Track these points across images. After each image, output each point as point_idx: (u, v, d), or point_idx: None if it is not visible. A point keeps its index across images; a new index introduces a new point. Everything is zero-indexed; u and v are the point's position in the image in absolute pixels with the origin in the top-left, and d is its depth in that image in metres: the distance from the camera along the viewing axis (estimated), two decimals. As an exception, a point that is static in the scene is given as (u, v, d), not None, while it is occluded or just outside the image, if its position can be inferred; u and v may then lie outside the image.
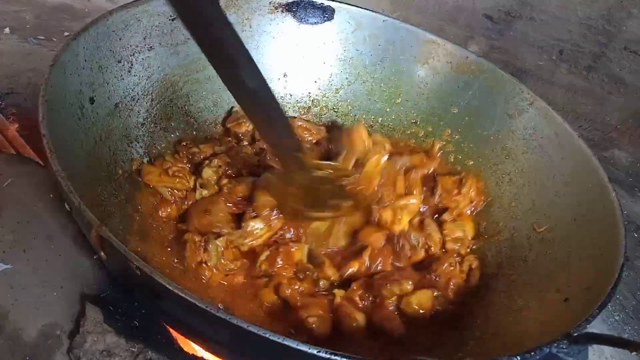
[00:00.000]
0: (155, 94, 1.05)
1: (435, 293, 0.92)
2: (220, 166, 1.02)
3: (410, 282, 0.91)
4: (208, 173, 1.01)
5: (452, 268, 0.96)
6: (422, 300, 0.90)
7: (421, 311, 0.89)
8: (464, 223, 1.05)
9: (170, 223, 0.97)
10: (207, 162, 1.03)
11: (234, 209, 0.98)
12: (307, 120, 1.22)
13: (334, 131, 1.20)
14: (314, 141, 1.17)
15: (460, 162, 1.17)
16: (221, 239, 0.91)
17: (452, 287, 0.94)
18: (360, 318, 0.85)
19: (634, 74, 1.56)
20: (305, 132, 1.17)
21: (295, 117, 1.24)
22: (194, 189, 1.01)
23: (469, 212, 1.08)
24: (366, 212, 0.98)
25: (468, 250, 1.03)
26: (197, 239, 0.90)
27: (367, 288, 0.90)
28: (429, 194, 1.08)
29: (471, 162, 1.15)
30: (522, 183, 1.06)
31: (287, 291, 0.87)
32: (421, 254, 0.99)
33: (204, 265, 0.89)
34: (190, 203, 1.00)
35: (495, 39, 1.74)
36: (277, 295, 0.87)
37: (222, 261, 0.90)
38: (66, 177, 0.66)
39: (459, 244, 1.02)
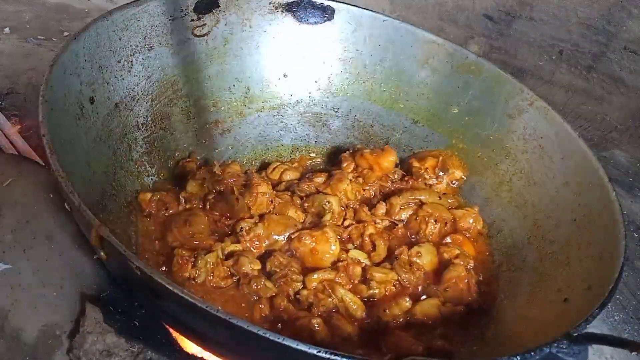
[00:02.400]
0: (155, 94, 1.05)
1: (441, 299, 0.91)
2: (205, 178, 1.00)
3: (407, 299, 0.90)
4: (192, 186, 0.99)
5: (460, 281, 0.94)
6: (426, 310, 0.89)
7: (430, 321, 0.88)
8: (462, 244, 1.04)
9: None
10: (191, 175, 1.01)
11: (216, 226, 0.96)
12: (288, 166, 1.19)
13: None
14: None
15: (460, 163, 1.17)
16: (211, 254, 0.87)
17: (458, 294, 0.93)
18: (350, 329, 0.84)
19: (634, 74, 1.56)
20: (289, 174, 1.15)
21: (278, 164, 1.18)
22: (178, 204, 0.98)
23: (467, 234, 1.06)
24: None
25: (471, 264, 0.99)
26: (185, 254, 0.87)
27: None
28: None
29: (472, 163, 1.16)
30: (522, 183, 1.06)
31: (282, 304, 0.86)
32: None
33: (192, 282, 0.86)
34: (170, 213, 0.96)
35: (495, 39, 1.74)
36: (272, 308, 0.86)
37: (212, 278, 0.87)
38: (66, 177, 0.66)
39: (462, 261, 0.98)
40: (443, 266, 0.97)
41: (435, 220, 1.02)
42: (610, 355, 1.03)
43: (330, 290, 0.87)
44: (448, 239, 1.03)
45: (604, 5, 1.53)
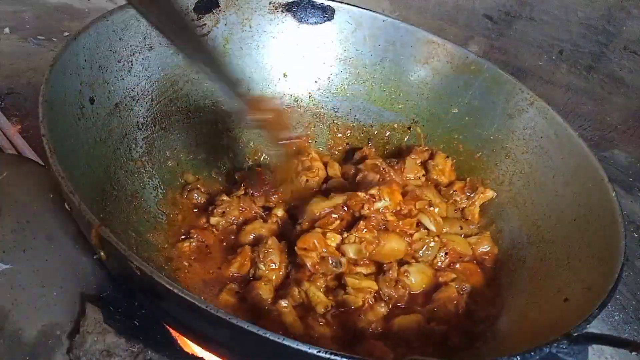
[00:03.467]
0: (155, 94, 1.05)
1: (425, 317, 0.88)
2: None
3: (382, 304, 0.88)
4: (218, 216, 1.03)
5: (449, 302, 0.91)
6: (405, 323, 0.86)
7: (407, 335, 0.85)
8: (471, 274, 0.99)
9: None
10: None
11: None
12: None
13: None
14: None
15: (460, 163, 1.17)
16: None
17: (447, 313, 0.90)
18: (323, 330, 0.84)
19: (634, 74, 1.55)
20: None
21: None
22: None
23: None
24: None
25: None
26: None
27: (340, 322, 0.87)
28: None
29: (472, 163, 1.16)
30: (522, 183, 1.06)
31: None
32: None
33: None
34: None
35: (495, 39, 1.74)
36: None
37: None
38: (66, 177, 0.66)
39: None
40: (436, 287, 0.94)
41: (446, 253, 0.99)
42: (610, 355, 1.03)
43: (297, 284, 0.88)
44: (457, 266, 0.99)
45: (604, 5, 1.52)
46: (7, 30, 1.58)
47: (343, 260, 0.90)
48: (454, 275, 0.95)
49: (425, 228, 0.98)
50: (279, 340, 0.56)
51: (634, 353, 0.61)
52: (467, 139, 1.17)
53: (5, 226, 0.87)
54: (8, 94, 1.32)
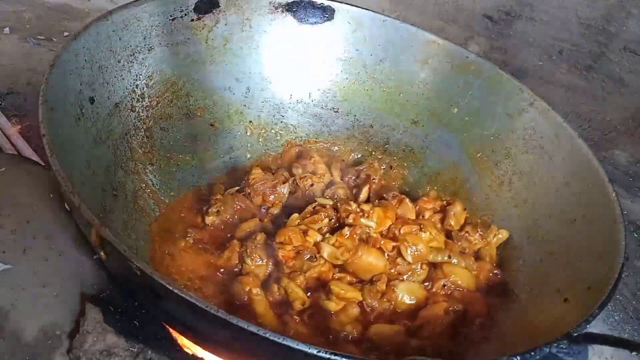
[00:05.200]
0: (155, 94, 1.05)
1: (404, 328, 0.86)
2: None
3: (355, 306, 0.86)
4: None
5: (435, 321, 0.87)
6: (381, 332, 0.84)
7: (384, 345, 0.83)
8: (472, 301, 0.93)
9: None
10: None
11: None
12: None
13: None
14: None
15: (460, 164, 1.17)
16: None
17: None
18: (300, 329, 0.83)
19: (634, 74, 1.56)
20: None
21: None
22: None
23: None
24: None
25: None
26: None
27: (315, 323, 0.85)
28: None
29: (471, 164, 1.16)
30: (522, 183, 1.06)
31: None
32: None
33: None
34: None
35: (495, 39, 1.74)
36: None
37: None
38: (66, 177, 0.66)
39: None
40: (424, 305, 0.90)
41: (444, 286, 0.93)
42: (610, 355, 1.03)
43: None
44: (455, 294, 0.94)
45: (604, 5, 1.53)
46: (7, 30, 1.58)
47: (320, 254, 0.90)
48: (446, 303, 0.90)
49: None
50: (279, 340, 0.56)
51: (634, 353, 0.61)
52: (467, 139, 1.17)
53: (5, 226, 0.87)
54: (8, 94, 1.32)
